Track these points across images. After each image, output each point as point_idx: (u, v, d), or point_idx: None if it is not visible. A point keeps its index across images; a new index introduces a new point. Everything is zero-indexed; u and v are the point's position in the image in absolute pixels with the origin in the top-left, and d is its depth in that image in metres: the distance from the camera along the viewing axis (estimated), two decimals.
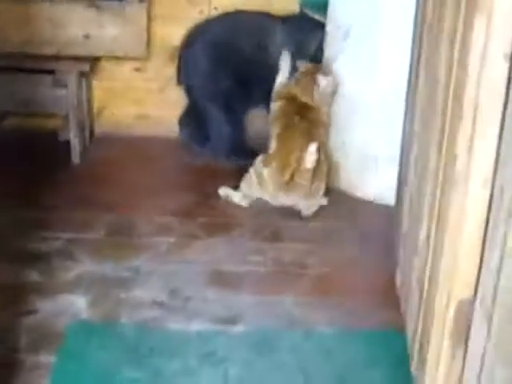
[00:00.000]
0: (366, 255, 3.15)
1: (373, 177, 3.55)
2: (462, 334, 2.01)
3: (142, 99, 4.15)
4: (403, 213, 2.79)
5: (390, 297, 2.88)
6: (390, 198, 3.45)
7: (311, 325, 2.74)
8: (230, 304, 2.84)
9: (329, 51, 3.61)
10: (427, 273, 2.21)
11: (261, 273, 3.01)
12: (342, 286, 2.96)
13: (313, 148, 3.20)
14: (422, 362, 2.21)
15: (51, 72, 3.78)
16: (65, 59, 3.75)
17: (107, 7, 3.75)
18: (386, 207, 3.44)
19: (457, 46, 1.96)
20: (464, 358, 2.01)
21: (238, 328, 2.72)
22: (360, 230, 3.34)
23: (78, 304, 2.79)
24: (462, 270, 1.94)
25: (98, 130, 4.15)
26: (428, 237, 2.22)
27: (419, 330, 2.29)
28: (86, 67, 3.78)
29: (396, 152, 3.40)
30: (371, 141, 3.47)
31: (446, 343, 2.05)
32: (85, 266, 3.01)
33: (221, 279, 2.98)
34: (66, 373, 2.47)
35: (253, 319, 2.76)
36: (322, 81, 3.44)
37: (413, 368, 2.37)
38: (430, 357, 2.12)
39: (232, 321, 2.75)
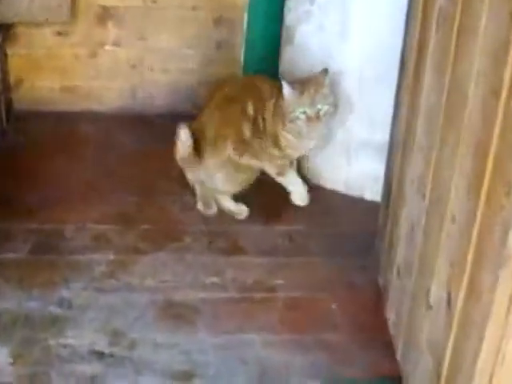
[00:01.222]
0: (345, 272, 2.64)
1: (344, 166, 3.03)
2: None
3: (68, 68, 3.52)
4: (398, 230, 2.27)
5: (378, 330, 2.39)
6: (363, 190, 3.01)
7: (286, 376, 2.23)
8: (186, 350, 2.31)
9: (292, 17, 3.02)
10: (447, 359, 1.71)
11: (220, 301, 2.48)
12: (318, 319, 2.45)
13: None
14: None
15: None
16: None
17: None
18: (361, 201, 2.95)
19: None
20: None
21: None
22: (335, 234, 2.82)
23: None
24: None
25: (16, 106, 3.51)
26: (449, 296, 1.71)
27: None
28: None
29: (372, 137, 2.91)
30: (341, 124, 2.93)
31: None
32: (6, 301, 2.44)
33: (172, 313, 2.45)
34: None
35: (215, 372, 2.24)
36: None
37: None
38: None
39: (190, 376, 2.22)
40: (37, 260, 2.64)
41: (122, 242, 2.74)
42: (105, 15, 3.44)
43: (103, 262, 2.64)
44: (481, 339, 1.54)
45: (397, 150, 2.32)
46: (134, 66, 3.54)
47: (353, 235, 2.83)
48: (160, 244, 2.75)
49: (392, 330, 2.28)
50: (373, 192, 2.90)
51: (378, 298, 2.49)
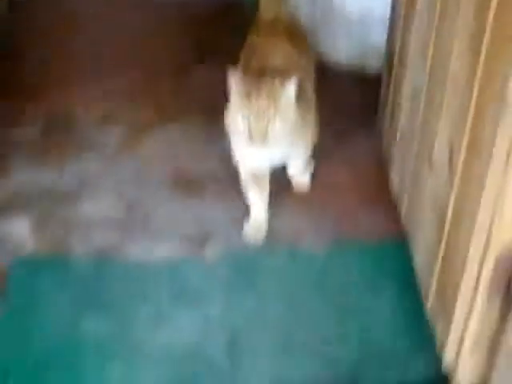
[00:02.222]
0: (347, 141, 2.70)
1: (344, 38, 3.06)
2: (503, 286, 1.66)
3: None
4: (400, 98, 2.33)
5: (382, 197, 2.48)
6: (364, 62, 3.04)
7: (295, 239, 2.34)
8: (199, 218, 2.41)
9: None
10: (451, 202, 1.80)
11: (227, 174, 2.53)
12: (324, 186, 2.53)
13: None
14: (444, 309, 1.86)
15: None
16: None
17: None
18: (362, 74, 2.99)
19: None
20: (504, 315, 1.67)
21: (212, 250, 2.30)
22: (336, 104, 2.85)
23: (19, 230, 2.33)
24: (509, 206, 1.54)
25: None
26: (451, 155, 1.80)
27: (437, 268, 1.92)
28: None
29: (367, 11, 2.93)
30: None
31: (482, 297, 1.69)
32: (21, 176, 2.53)
33: (184, 187, 2.52)
34: (10, 333, 2.05)
35: (227, 235, 2.35)
36: None
37: (429, 306, 2.01)
38: (459, 309, 1.76)
39: (204, 240, 2.33)
40: (48, 141, 2.70)
41: (131, 118, 2.80)
42: None
43: (113, 138, 2.71)
44: (480, 193, 1.62)
45: (398, 18, 2.36)
46: None
47: (356, 105, 2.87)
48: (169, 117, 2.79)
49: (396, 193, 2.37)
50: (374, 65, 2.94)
51: (381, 165, 2.57)
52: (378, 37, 2.77)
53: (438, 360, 1.97)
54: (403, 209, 2.29)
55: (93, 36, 3.23)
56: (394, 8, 2.48)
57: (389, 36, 2.55)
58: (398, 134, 2.33)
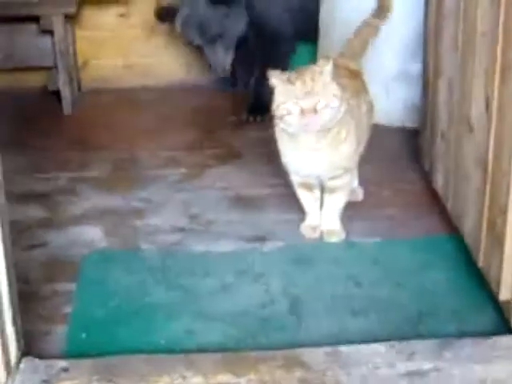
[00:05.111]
0: (391, 170, 2.91)
1: (382, 98, 3.28)
2: None
3: (129, 48, 3.88)
4: (437, 105, 2.55)
5: (427, 203, 2.65)
6: (400, 121, 3.27)
7: (349, 236, 2.49)
8: (257, 224, 2.59)
9: None
10: (491, 143, 1.97)
11: (284, 194, 2.73)
12: (372, 197, 2.71)
13: None
14: (497, 241, 1.97)
15: (35, 20, 3.51)
16: (49, 3, 3.48)
17: None
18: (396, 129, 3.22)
19: None
20: None
21: (271, 244, 2.46)
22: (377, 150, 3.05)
23: (91, 234, 2.53)
24: None
25: (84, 83, 3.87)
26: (487, 102, 1.99)
27: (485, 212, 2.05)
28: (71, 9, 3.51)
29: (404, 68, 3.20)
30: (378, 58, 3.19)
31: None
32: (91, 200, 2.76)
33: (243, 202, 2.73)
34: (89, 298, 2.20)
35: (285, 236, 2.51)
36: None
37: (480, 262, 2.12)
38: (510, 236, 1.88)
39: (263, 238, 2.49)
40: (116, 175, 2.95)
41: (191, 162, 3.06)
42: None
43: (176, 174, 2.94)
44: None
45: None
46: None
47: (398, 153, 3.08)
48: (225, 161, 3.06)
49: (441, 189, 2.52)
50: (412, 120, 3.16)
51: (425, 183, 2.75)
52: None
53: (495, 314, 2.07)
54: (450, 198, 2.43)
55: (150, 111, 3.57)
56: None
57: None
58: (439, 134, 2.52)
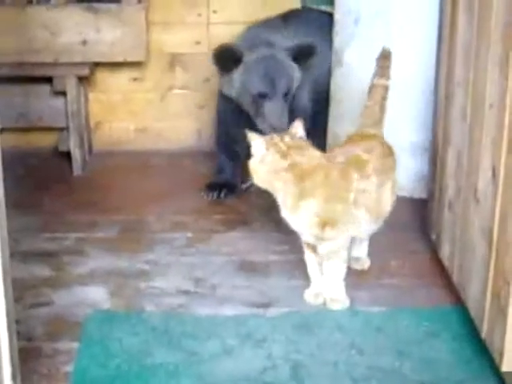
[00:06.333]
0: (398, 241, 2.91)
1: None
2: None
3: (141, 111, 3.94)
4: (445, 175, 2.57)
5: (433, 273, 2.65)
6: (408, 191, 3.26)
7: (354, 304, 2.48)
8: (262, 289, 2.59)
9: (339, 40, 3.43)
10: (497, 212, 1.99)
11: (289, 260, 2.75)
12: (379, 266, 2.71)
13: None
14: (501, 313, 1.97)
15: (49, 80, 3.57)
16: (62, 65, 3.54)
17: (105, 10, 3.55)
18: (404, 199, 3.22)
19: None
20: None
21: (275, 310, 2.46)
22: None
23: (96, 295, 2.54)
24: None
25: (96, 145, 3.91)
26: (494, 171, 2.00)
27: (490, 284, 2.05)
28: (85, 71, 3.57)
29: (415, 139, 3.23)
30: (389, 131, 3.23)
31: None
32: (98, 260, 2.77)
33: (248, 268, 2.74)
34: (91, 357, 2.19)
35: (289, 302, 2.51)
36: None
37: (484, 333, 2.11)
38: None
39: (267, 304, 2.50)
40: (123, 237, 2.96)
41: (198, 226, 3.07)
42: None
43: (182, 238, 2.95)
44: None
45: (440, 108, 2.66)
46: (201, 107, 3.93)
47: (406, 223, 3.09)
48: (232, 227, 3.06)
49: (447, 260, 2.52)
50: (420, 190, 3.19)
51: (432, 253, 2.75)
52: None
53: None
54: (455, 269, 2.44)
55: (159, 176, 3.61)
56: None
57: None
58: (447, 204, 2.54)
